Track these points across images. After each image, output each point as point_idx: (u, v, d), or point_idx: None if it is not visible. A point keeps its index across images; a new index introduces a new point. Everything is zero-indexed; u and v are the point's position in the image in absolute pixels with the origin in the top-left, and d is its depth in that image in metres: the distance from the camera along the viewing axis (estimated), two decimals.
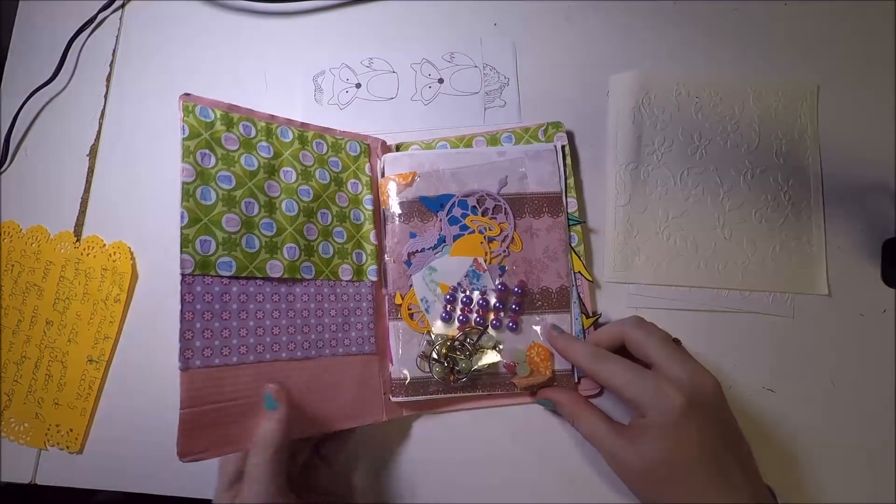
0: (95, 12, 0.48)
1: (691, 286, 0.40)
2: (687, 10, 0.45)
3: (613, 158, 0.42)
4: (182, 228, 0.32)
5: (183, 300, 0.31)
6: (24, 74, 0.48)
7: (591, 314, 0.39)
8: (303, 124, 0.39)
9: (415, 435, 0.39)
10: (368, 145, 0.41)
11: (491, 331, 0.38)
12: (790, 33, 0.44)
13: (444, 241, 0.39)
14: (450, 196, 0.40)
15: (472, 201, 0.40)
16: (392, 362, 0.38)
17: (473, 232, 0.39)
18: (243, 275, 0.33)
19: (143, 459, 0.40)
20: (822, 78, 0.43)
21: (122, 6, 0.49)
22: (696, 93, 0.43)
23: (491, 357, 0.37)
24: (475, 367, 0.37)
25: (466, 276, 0.39)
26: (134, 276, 0.43)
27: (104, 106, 0.47)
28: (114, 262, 0.43)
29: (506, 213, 0.40)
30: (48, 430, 0.41)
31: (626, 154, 0.42)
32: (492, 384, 0.38)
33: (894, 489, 0.37)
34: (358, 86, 0.46)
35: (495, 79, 0.45)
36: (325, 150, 0.39)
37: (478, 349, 0.37)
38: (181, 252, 0.32)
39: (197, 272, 0.32)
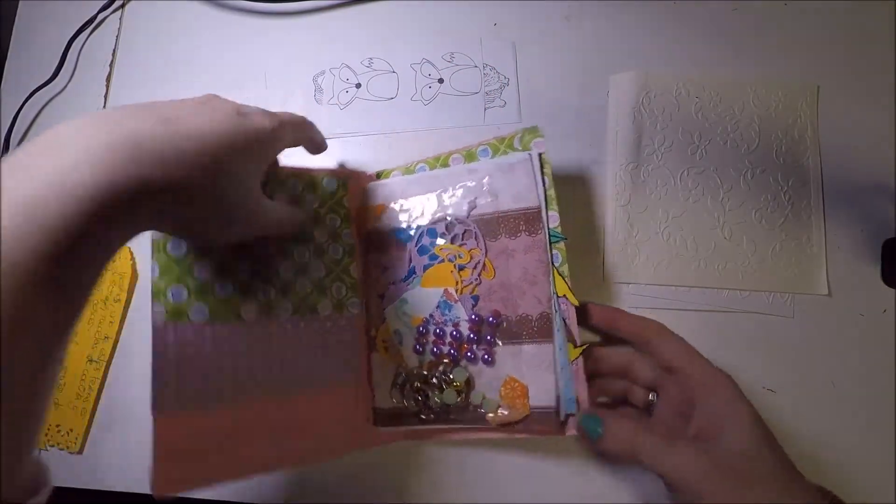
0: (95, 12, 0.48)
1: (691, 286, 0.40)
2: (687, 10, 0.45)
3: (613, 158, 0.42)
4: (153, 280, 0.32)
5: (155, 351, 0.30)
6: (24, 74, 0.48)
7: (577, 344, 0.35)
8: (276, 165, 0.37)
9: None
10: (346, 179, 0.40)
11: (465, 363, 0.37)
12: (790, 33, 0.44)
13: (415, 272, 0.38)
14: (419, 226, 0.39)
15: (440, 228, 0.38)
16: (374, 393, 0.38)
17: (443, 261, 0.38)
18: (217, 321, 0.33)
19: (143, 459, 0.40)
20: (822, 78, 0.43)
21: (122, 6, 0.49)
22: (696, 93, 0.43)
23: (450, 396, 0.36)
24: (445, 401, 0.36)
25: (438, 307, 0.37)
26: (134, 277, 0.43)
27: (104, 106, 0.47)
28: (114, 262, 0.43)
29: (476, 238, 0.37)
30: (48, 430, 0.41)
31: (626, 154, 0.42)
32: (467, 419, 0.36)
33: (894, 489, 0.37)
34: (358, 86, 0.46)
35: (495, 79, 0.45)
36: (299, 190, 0.37)
37: (450, 383, 0.36)
38: (153, 302, 0.31)
39: (169, 320, 0.31)
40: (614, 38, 0.45)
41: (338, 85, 0.46)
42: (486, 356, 0.36)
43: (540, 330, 0.35)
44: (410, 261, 0.39)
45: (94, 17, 0.48)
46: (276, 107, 0.46)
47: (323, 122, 0.45)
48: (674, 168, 0.42)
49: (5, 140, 0.47)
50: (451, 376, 0.36)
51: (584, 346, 0.35)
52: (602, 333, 0.39)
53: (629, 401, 0.37)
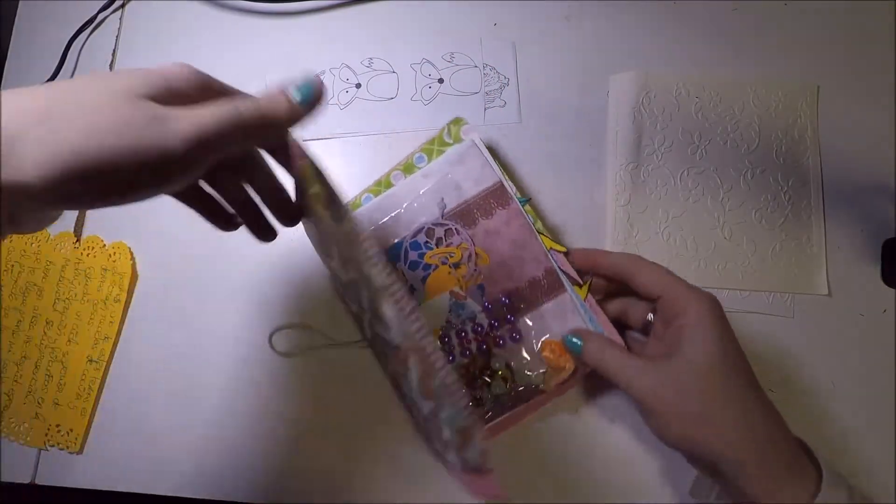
0: (95, 12, 0.48)
1: None
2: (687, 10, 0.45)
3: (613, 158, 0.42)
4: None
5: None
6: (24, 74, 0.48)
7: (582, 282, 0.37)
8: None
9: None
10: None
11: (497, 350, 0.37)
12: (790, 33, 0.44)
13: (414, 290, 0.38)
14: (399, 244, 0.39)
15: (421, 238, 0.38)
16: None
17: (437, 266, 0.38)
18: None
19: (143, 460, 0.40)
20: (822, 78, 0.43)
21: (122, 6, 0.49)
22: (696, 93, 0.43)
23: (499, 387, 0.36)
24: (496, 394, 0.36)
25: (450, 311, 0.38)
26: (134, 277, 0.43)
27: None
28: (114, 262, 0.43)
29: (458, 232, 0.38)
30: (48, 430, 0.41)
31: (626, 154, 0.42)
32: (524, 397, 0.36)
33: (894, 489, 0.37)
34: (358, 86, 0.46)
35: (495, 79, 0.45)
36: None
37: (493, 375, 0.37)
38: None
39: None
40: (614, 38, 0.45)
41: (338, 85, 0.46)
42: (513, 335, 0.37)
43: (550, 285, 0.37)
44: (406, 281, 0.38)
45: (94, 17, 0.48)
46: None
47: (323, 122, 0.45)
48: (674, 168, 0.42)
49: None
50: (491, 369, 0.37)
51: (589, 282, 0.37)
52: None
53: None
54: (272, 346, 0.41)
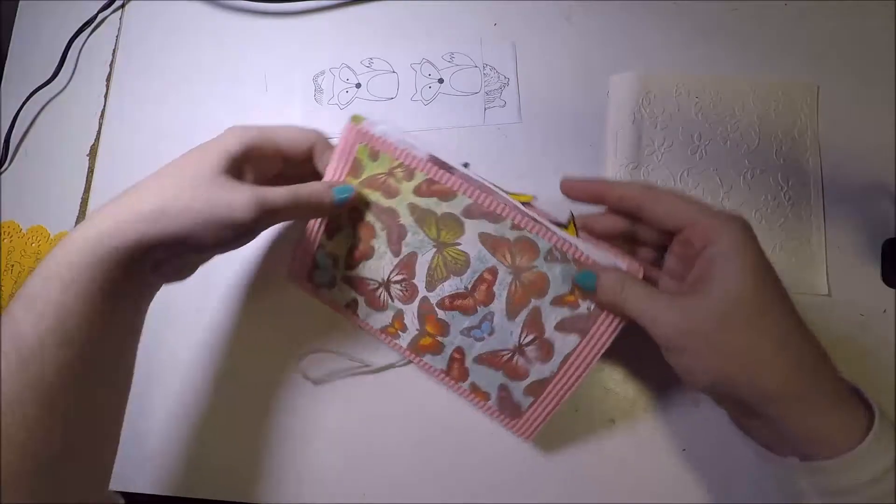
0: (95, 12, 0.48)
1: None
2: (687, 10, 0.45)
3: (613, 158, 0.42)
4: None
5: None
6: (24, 74, 0.48)
7: (566, 222, 0.34)
8: None
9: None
10: None
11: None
12: (790, 33, 0.44)
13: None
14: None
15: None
16: None
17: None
18: None
19: (143, 459, 0.40)
20: (822, 78, 0.43)
21: (122, 6, 0.49)
22: (696, 93, 0.43)
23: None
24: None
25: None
26: None
27: (104, 106, 0.47)
28: None
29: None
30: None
31: (626, 154, 0.42)
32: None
33: (894, 490, 0.37)
34: (358, 86, 0.46)
35: (495, 79, 0.45)
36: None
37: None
38: None
39: None
40: (614, 38, 0.45)
41: (338, 85, 0.46)
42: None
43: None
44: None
45: (94, 17, 0.48)
46: (276, 107, 0.46)
47: (323, 122, 0.45)
48: (674, 168, 0.42)
49: (5, 140, 0.47)
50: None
51: (571, 219, 0.34)
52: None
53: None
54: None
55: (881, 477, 0.26)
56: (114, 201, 0.29)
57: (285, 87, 0.46)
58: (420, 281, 0.36)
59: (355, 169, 0.36)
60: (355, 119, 0.36)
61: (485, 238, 0.34)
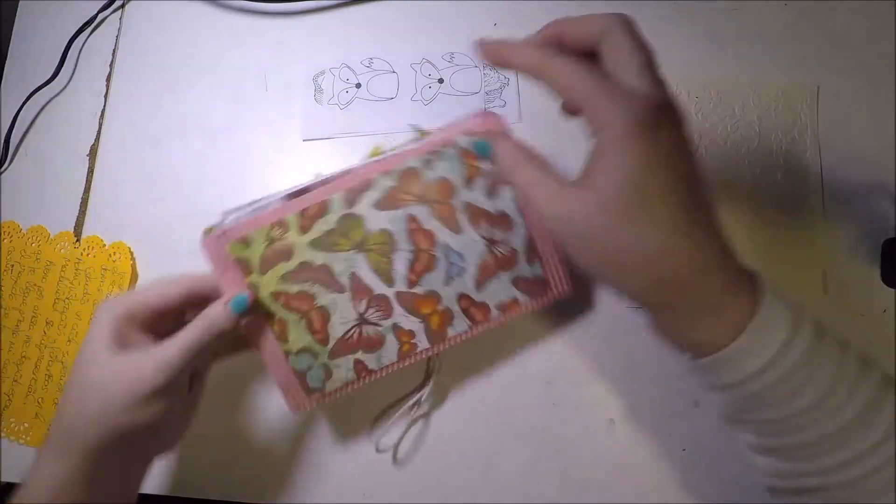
0: (95, 12, 0.48)
1: None
2: (687, 10, 0.45)
3: None
4: None
5: None
6: (24, 74, 0.48)
7: (418, 133, 0.34)
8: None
9: None
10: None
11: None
12: (790, 33, 0.44)
13: None
14: None
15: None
16: None
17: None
18: None
19: None
20: (822, 78, 0.43)
21: (122, 6, 0.49)
22: (696, 93, 0.43)
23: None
24: None
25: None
26: (134, 276, 0.43)
27: (104, 106, 0.47)
28: (114, 262, 0.43)
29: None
30: (48, 430, 0.41)
31: None
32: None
33: (894, 490, 0.37)
34: (358, 86, 0.46)
35: (495, 79, 0.45)
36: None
37: None
38: None
39: None
40: None
41: (338, 85, 0.46)
42: None
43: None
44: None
45: (94, 17, 0.48)
46: (276, 107, 0.46)
47: (323, 122, 0.45)
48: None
49: (5, 140, 0.47)
50: None
51: (417, 129, 0.35)
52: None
53: None
54: None
55: (764, 369, 0.24)
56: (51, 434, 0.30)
57: (285, 87, 0.46)
58: (379, 286, 0.34)
59: (244, 268, 0.33)
60: (206, 232, 0.33)
61: (379, 203, 0.34)
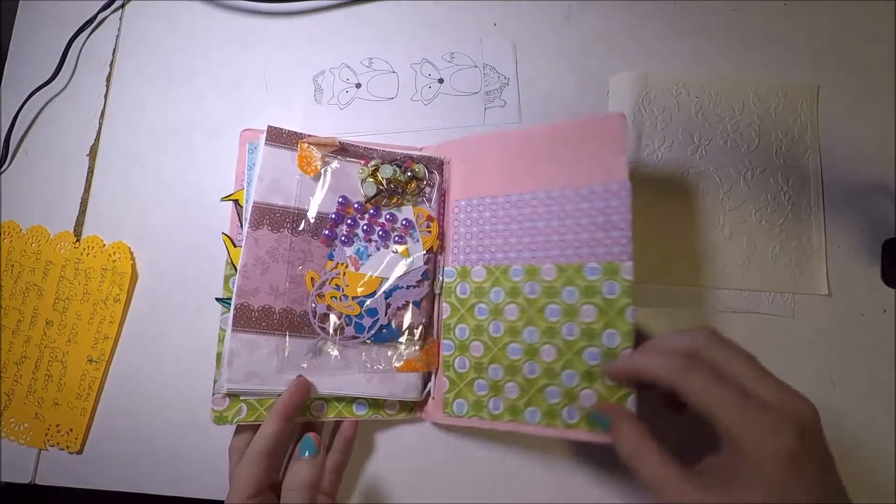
0: (95, 12, 0.48)
1: (691, 286, 0.40)
2: (687, 10, 0.45)
3: None
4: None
5: None
6: (24, 74, 0.48)
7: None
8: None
9: None
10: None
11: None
12: (790, 33, 0.44)
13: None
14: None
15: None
16: None
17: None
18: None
19: (143, 459, 0.40)
20: (822, 78, 0.43)
21: (122, 6, 0.49)
22: (696, 93, 0.43)
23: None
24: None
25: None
26: (134, 276, 0.43)
27: (104, 106, 0.47)
28: (114, 262, 0.43)
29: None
30: (48, 430, 0.41)
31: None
32: None
33: (894, 490, 0.37)
34: (358, 86, 0.46)
35: (495, 79, 0.45)
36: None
37: None
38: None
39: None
40: (614, 38, 0.45)
41: (338, 85, 0.46)
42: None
43: None
44: None
45: (94, 17, 0.48)
46: (276, 107, 0.46)
47: (323, 122, 0.45)
48: (674, 168, 0.42)
49: (5, 140, 0.47)
50: None
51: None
52: None
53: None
54: None
55: None
56: None
57: (285, 87, 0.46)
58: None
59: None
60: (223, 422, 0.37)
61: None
